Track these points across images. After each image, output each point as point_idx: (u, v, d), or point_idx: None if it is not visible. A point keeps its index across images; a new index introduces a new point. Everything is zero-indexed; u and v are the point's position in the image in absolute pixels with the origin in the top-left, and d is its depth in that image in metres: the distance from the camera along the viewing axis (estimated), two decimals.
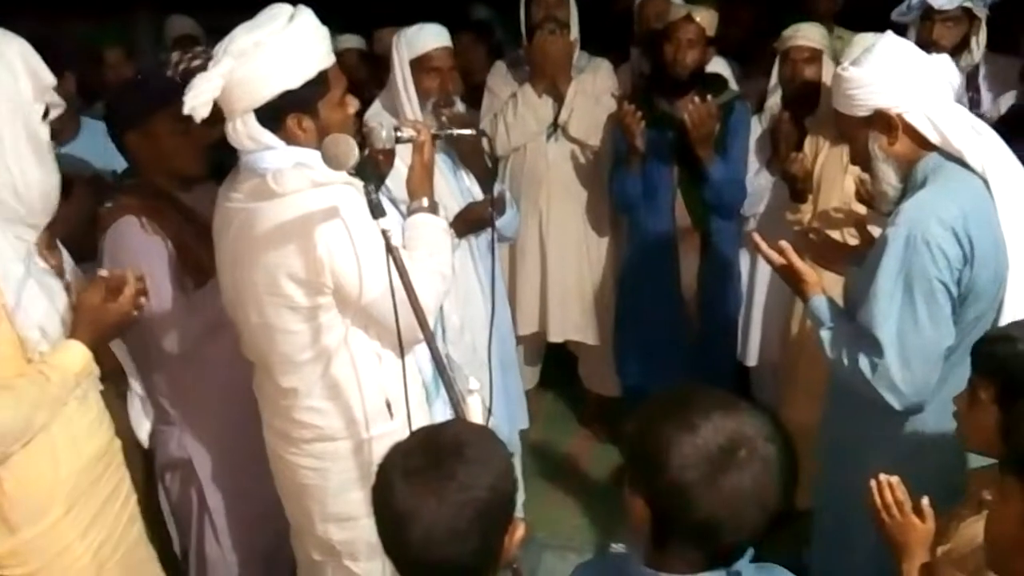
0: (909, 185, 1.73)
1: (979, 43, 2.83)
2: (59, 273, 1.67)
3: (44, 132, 1.55)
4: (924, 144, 1.70)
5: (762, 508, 1.08)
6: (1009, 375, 1.38)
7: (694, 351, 3.05)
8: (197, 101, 1.53)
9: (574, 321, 3.27)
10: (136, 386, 2.14)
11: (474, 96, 3.26)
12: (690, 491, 1.06)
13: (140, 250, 1.97)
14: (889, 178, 1.74)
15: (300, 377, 1.73)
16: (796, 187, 2.67)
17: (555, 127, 3.08)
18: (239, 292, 1.72)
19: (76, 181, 2.03)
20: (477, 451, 1.13)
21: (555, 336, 3.30)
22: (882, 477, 1.56)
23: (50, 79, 1.55)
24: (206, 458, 2.17)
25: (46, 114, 1.56)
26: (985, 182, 1.65)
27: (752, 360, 3.25)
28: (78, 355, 1.61)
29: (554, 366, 3.63)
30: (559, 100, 3.04)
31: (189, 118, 1.56)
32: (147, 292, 1.76)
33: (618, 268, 3.22)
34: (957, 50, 2.78)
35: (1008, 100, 2.72)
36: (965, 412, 1.49)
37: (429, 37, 2.48)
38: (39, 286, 1.57)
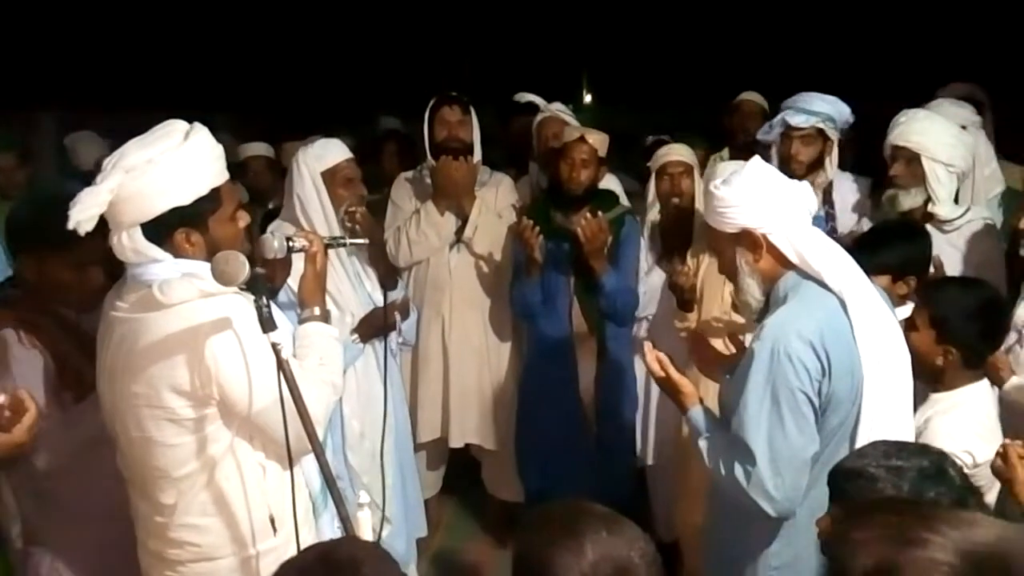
0: (772, 299, 1.85)
1: (832, 162, 3.16)
2: None
3: None
4: (785, 263, 1.82)
5: None
6: None
7: (593, 454, 3.11)
8: (83, 216, 1.52)
9: (474, 426, 3.29)
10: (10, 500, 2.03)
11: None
12: None
13: (14, 363, 1.90)
14: (753, 291, 1.86)
15: (179, 492, 1.68)
16: (683, 297, 2.84)
17: (458, 239, 3.19)
18: (117, 404, 1.68)
19: None
20: (373, 571, 1.12)
21: (456, 441, 3.30)
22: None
23: None
24: None
25: None
26: (841, 301, 1.77)
27: (650, 459, 3.31)
28: None
29: (458, 472, 3.60)
30: (462, 216, 3.17)
31: (85, 261, 1.52)
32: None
33: (519, 374, 3.28)
34: (813, 167, 3.10)
35: (879, 218, 2.99)
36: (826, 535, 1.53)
37: (336, 150, 2.65)
38: None
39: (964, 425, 1.95)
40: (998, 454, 1.84)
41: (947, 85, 3.60)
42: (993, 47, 5.20)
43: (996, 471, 1.83)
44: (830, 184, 3.14)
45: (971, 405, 2.00)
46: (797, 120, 3.04)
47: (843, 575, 0.98)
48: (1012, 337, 2.31)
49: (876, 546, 0.96)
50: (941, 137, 2.76)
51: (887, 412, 1.75)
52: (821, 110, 3.04)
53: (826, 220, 3.07)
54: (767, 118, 4.15)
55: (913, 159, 2.75)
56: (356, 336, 2.59)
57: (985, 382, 2.06)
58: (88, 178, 1.66)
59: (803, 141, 3.05)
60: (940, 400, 2.02)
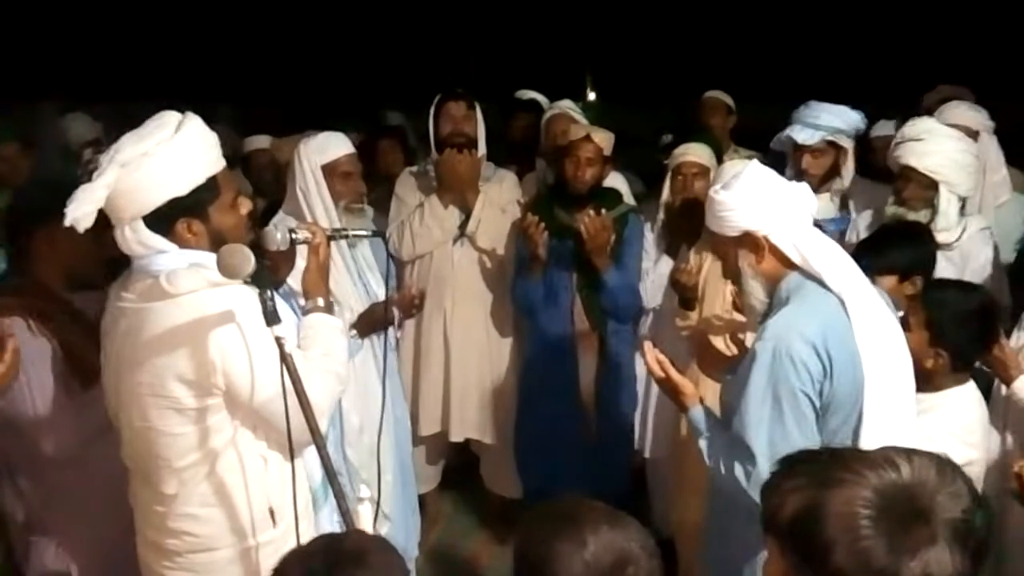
0: (775, 301, 1.85)
1: (848, 170, 3.12)
2: None
3: None
4: (788, 264, 1.83)
5: None
6: None
7: (591, 451, 3.11)
8: (79, 212, 1.52)
9: (474, 420, 3.29)
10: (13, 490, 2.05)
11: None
12: None
13: (24, 352, 1.90)
14: (756, 293, 1.87)
15: (180, 482, 1.68)
16: (685, 295, 2.84)
17: (461, 234, 3.19)
18: (122, 394, 1.68)
19: None
20: (378, 559, 1.14)
21: (456, 435, 3.31)
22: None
23: None
24: (87, 572, 2.05)
25: None
26: (841, 302, 1.77)
27: (647, 452, 3.31)
28: None
29: (456, 466, 3.61)
30: (465, 210, 3.17)
31: (103, 226, 1.55)
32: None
33: (520, 369, 3.29)
34: (828, 176, 3.06)
35: (865, 219, 2.97)
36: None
37: (338, 144, 2.65)
38: None
39: (942, 427, 1.96)
40: (1016, 475, 1.83)
41: (934, 88, 3.59)
42: (988, 47, 5.20)
43: (1014, 494, 1.83)
44: (847, 192, 3.10)
45: (952, 408, 2.01)
46: (803, 136, 3.01)
47: (774, 520, 1.05)
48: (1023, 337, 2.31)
49: (802, 492, 1.03)
50: (964, 168, 2.72)
51: (890, 414, 1.75)
52: (827, 123, 3.00)
53: (839, 226, 3.02)
54: (730, 113, 4.24)
55: (930, 185, 2.70)
56: (354, 332, 2.59)
57: (970, 386, 2.06)
58: (77, 159, 1.67)
59: (813, 155, 3.02)
60: (922, 400, 2.00)
